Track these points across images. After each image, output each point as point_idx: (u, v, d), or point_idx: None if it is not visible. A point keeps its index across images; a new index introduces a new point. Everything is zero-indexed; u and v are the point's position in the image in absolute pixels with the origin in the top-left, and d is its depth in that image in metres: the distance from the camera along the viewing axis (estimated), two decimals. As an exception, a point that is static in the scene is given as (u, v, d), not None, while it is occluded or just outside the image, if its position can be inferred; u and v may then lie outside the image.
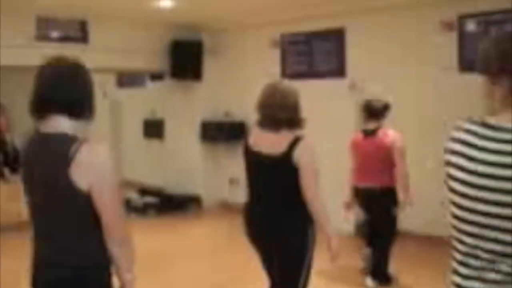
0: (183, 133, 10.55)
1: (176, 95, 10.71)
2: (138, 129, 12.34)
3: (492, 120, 1.85)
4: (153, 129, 11.78)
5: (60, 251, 2.57)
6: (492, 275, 1.85)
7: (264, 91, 3.84)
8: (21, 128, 2.76)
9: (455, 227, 1.92)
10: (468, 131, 1.87)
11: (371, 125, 6.06)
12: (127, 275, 2.68)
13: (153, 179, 11.43)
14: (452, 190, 1.90)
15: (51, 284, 2.59)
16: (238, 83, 9.92)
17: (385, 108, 6.06)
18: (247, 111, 8.75)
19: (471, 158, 1.83)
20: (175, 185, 10.60)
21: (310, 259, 3.82)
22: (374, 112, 6.04)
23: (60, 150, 2.46)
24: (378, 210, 6.07)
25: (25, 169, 2.64)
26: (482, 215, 1.82)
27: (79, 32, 9.32)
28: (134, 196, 10.64)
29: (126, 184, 12.09)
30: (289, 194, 3.70)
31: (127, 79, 12.64)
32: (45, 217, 2.60)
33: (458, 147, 1.87)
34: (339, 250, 3.80)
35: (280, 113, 3.71)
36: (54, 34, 9.02)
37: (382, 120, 6.05)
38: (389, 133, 5.98)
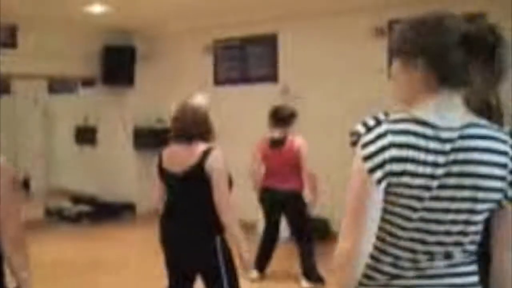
0: (116, 140, 10.45)
1: (108, 102, 10.59)
2: (70, 136, 12.15)
3: (418, 113, 1.85)
4: (86, 136, 11.62)
5: None
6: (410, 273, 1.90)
7: (177, 107, 4.01)
8: None
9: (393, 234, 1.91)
10: (405, 132, 1.83)
11: (277, 133, 6.21)
12: (23, 273, 2.73)
13: (86, 187, 11.27)
14: (401, 195, 1.84)
15: None
16: (171, 89, 9.85)
17: (292, 115, 6.23)
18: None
19: (423, 162, 1.80)
20: (108, 193, 10.47)
21: (229, 269, 3.88)
22: (281, 118, 6.19)
23: None
24: (291, 213, 6.32)
25: None
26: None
27: (8, 38, 9.12)
28: (67, 204, 10.45)
29: (59, 192, 11.90)
30: (200, 207, 3.80)
31: (59, 86, 12.43)
32: None
33: (403, 152, 1.81)
34: (250, 260, 3.94)
35: (192, 127, 3.88)
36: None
37: (288, 127, 6.19)
38: (296, 140, 6.18)
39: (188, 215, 3.85)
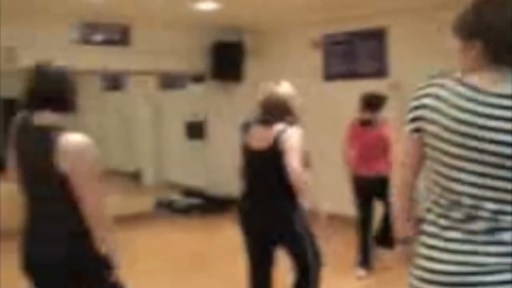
0: (225, 134, 10.58)
1: (217, 97, 10.75)
2: (180, 131, 12.40)
3: (470, 80, 1.99)
4: (195, 131, 11.83)
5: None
6: (472, 226, 2.00)
7: (263, 93, 4.43)
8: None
9: (436, 182, 2.09)
10: (444, 87, 2.04)
11: (366, 115, 6.42)
12: (103, 247, 3.06)
13: (195, 181, 11.49)
14: (432, 147, 2.07)
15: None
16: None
17: (382, 99, 6.48)
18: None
19: (453, 118, 1.97)
20: (217, 186, 10.64)
21: (308, 237, 4.28)
22: (371, 103, 6.42)
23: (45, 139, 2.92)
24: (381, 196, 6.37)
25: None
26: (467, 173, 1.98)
27: (121, 35, 9.42)
28: (177, 197, 10.71)
29: (170, 185, 12.20)
30: (278, 180, 4.14)
31: (169, 82, 12.72)
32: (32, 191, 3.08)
33: (434, 103, 2.04)
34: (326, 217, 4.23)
35: (274, 110, 4.30)
36: (98, 37, 9.14)
37: (378, 112, 6.39)
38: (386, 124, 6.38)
39: (268, 189, 4.26)
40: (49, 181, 2.94)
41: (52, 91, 3.08)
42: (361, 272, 6.40)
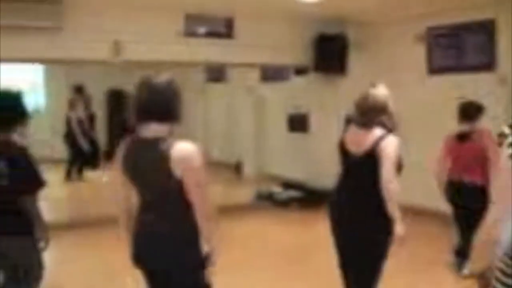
0: (327, 127, 10.48)
1: (320, 90, 10.67)
2: (282, 123, 12.42)
3: None
4: (297, 123, 11.81)
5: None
6: None
7: (360, 96, 4.44)
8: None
9: None
10: None
11: (463, 127, 6.29)
12: (212, 241, 3.30)
13: (295, 173, 11.48)
14: None
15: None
16: (383, 77, 9.64)
17: (478, 110, 6.29)
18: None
19: None
20: (318, 179, 10.57)
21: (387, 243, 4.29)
22: (467, 114, 6.28)
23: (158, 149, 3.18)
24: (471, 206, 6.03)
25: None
26: None
27: (225, 28, 9.50)
28: (277, 190, 10.73)
29: (270, 178, 12.25)
30: (371, 185, 4.17)
31: (271, 74, 12.75)
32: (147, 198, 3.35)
33: None
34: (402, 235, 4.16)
35: (371, 114, 4.31)
36: (201, 30, 9.26)
37: (475, 122, 6.24)
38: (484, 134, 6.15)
39: (360, 193, 4.31)
40: (164, 188, 3.22)
41: (160, 103, 3.24)
42: (465, 270, 6.22)
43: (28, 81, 15.59)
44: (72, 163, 12.89)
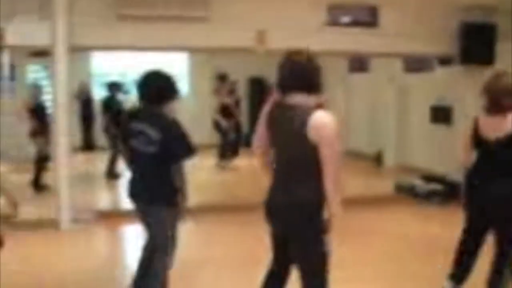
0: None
1: (465, 81, 10.31)
2: (425, 115, 12.16)
3: None
4: (440, 115, 11.52)
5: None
6: None
7: (489, 78, 4.64)
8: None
9: None
10: None
11: None
12: (333, 206, 3.57)
13: (436, 166, 11.21)
14: None
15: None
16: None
17: None
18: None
19: None
20: (460, 173, 10.24)
21: None
22: None
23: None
24: None
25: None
26: None
27: (369, 17, 9.41)
28: (418, 182, 10.52)
29: (410, 169, 12.04)
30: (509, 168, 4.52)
31: (415, 64, 12.49)
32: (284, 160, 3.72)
33: None
34: None
35: (504, 98, 4.49)
36: (345, 19, 9.24)
37: None
38: None
39: (498, 175, 4.58)
40: (302, 149, 3.54)
41: (301, 74, 3.62)
42: None
43: (174, 69, 16.20)
44: (221, 149, 13.26)
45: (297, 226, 3.60)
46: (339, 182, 3.56)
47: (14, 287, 5.52)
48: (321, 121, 3.50)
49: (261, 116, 3.84)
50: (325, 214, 3.58)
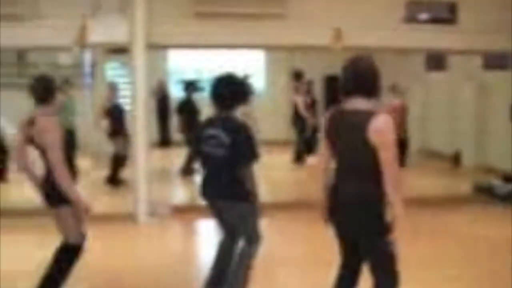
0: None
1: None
2: (504, 113, 11.83)
3: None
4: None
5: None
6: None
7: None
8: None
9: None
10: None
11: None
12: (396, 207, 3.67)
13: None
14: None
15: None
16: None
17: None
18: None
19: None
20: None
21: None
22: None
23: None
24: None
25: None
26: None
27: (448, 13, 9.24)
28: (497, 182, 10.25)
29: (490, 169, 11.74)
30: None
31: (495, 61, 12.16)
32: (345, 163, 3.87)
33: None
34: None
35: None
36: (423, 16, 9.09)
37: None
38: None
39: None
40: (363, 152, 3.67)
41: (362, 80, 3.77)
42: None
43: (250, 66, 16.29)
44: (299, 146, 13.23)
45: (362, 225, 3.78)
46: (399, 184, 3.69)
47: (93, 277, 5.68)
48: (381, 125, 3.64)
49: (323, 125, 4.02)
50: (388, 215, 3.70)
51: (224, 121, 4.91)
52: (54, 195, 4.72)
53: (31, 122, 4.77)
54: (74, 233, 4.87)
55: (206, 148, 4.93)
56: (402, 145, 12.10)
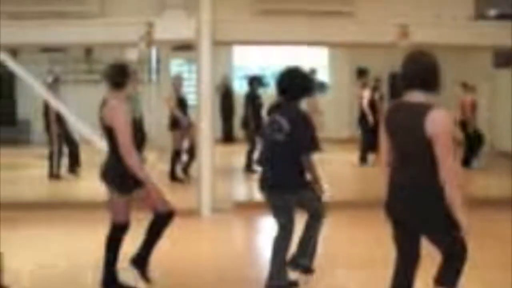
0: None
1: None
2: None
3: None
4: None
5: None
6: None
7: None
8: None
9: None
10: None
11: None
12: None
13: None
14: None
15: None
16: None
17: None
18: None
19: None
20: None
21: None
22: None
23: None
24: None
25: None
26: None
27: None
28: None
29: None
30: None
31: None
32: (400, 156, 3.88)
33: None
34: None
35: None
36: (492, 12, 8.91)
37: None
38: None
39: None
40: (420, 145, 3.69)
41: (422, 74, 3.79)
42: None
43: (313, 61, 16.23)
44: (364, 144, 13.07)
45: (422, 218, 3.78)
46: (457, 176, 3.69)
47: (156, 270, 5.77)
48: (438, 118, 3.66)
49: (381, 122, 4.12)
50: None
51: (287, 108, 5.17)
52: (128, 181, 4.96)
53: (103, 104, 5.02)
54: (161, 204, 5.21)
55: (266, 131, 5.26)
56: (471, 141, 11.92)
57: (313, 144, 5.11)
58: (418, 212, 3.76)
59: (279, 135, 5.05)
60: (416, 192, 3.77)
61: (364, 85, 13.13)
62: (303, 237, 5.38)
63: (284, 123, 5.04)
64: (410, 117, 3.75)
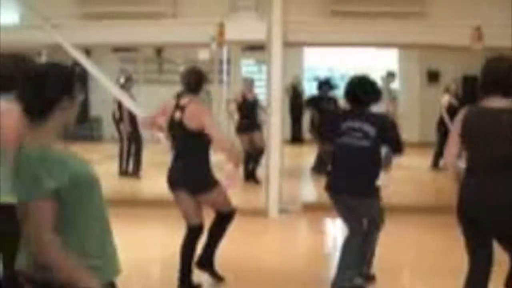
0: None
1: None
2: None
3: None
4: None
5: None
6: None
7: None
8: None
9: None
10: None
11: None
12: None
13: None
14: None
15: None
16: None
17: None
18: None
19: None
20: None
21: None
22: None
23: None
24: None
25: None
26: None
27: None
28: None
29: None
30: None
31: None
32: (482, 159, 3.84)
33: None
34: None
35: None
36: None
37: None
38: None
39: None
40: (505, 149, 3.70)
41: (503, 80, 3.77)
42: None
43: (384, 66, 16.03)
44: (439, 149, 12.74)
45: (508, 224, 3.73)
46: None
47: (223, 268, 5.80)
48: None
49: (453, 126, 4.10)
50: None
51: (365, 114, 5.18)
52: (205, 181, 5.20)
53: (179, 109, 5.15)
54: (227, 204, 5.39)
55: (345, 140, 5.12)
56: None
57: (400, 146, 5.20)
58: (504, 214, 3.72)
59: (363, 141, 5.03)
60: (503, 196, 3.72)
61: (446, 89, 12.75)
62: (361, 244, 5.32)
63: (369, 129, 5.03)
64: (496, 123, 3.75)
